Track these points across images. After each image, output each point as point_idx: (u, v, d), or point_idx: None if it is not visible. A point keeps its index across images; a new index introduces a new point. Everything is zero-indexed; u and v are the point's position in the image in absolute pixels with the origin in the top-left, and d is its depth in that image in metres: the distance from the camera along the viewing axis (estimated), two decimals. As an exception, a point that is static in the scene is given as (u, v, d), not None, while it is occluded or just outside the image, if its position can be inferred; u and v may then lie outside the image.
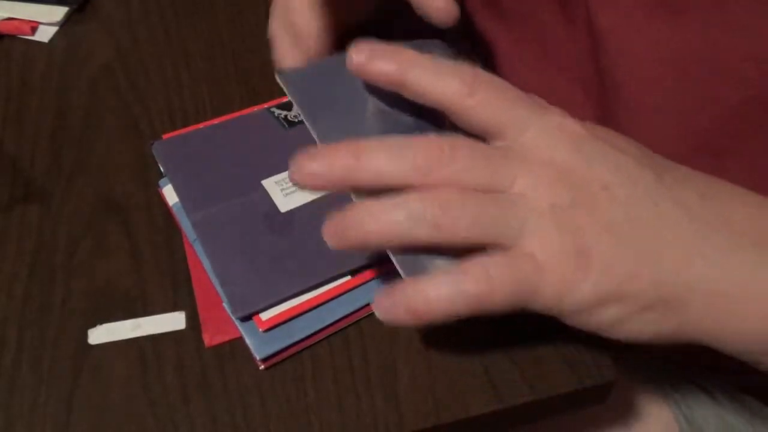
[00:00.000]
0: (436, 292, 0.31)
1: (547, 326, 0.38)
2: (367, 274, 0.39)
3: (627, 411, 0.50)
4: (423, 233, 0.31)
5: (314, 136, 0.36)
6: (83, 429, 0.35)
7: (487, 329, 0.39)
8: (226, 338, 0.38)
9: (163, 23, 0.56)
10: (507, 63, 0.55)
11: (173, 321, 0.39)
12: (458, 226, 0.30)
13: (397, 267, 0.33)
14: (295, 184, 0.33)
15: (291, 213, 0.41)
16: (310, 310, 0.38)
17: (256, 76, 0.52)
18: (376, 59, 0.33)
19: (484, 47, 0.57)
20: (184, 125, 0.47)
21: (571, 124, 0.33)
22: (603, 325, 0.33)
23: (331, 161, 0.32)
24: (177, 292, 0.40)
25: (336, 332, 0.39)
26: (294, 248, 0.39)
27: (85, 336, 0.38)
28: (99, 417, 0.36)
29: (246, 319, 0.37)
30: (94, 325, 0.39)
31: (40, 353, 0.38)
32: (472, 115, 0.32)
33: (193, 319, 0.39)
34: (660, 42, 0.42)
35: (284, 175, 0.43)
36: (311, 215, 0.41)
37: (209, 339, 0.38)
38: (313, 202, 0.41)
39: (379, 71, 0.33)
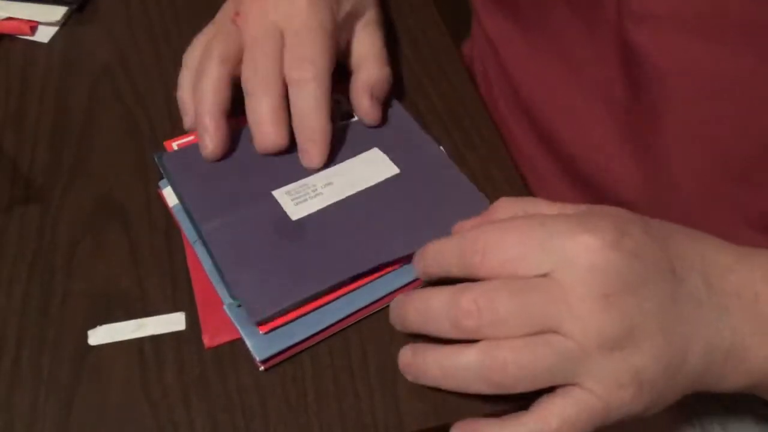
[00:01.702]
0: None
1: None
2: (367, 276, 0.39)
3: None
4: (483, 388, 0.34)
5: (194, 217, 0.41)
6: (83, 429, 0.35)
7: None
8: (226, 339, 0.38)
9: (163, 23, 0.56)
10: (534, 82, 0.55)
11: (173, 322, 0.39)
12: (518, 385, 0.33)
13: None
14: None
15: (302, 220, 0.41)
16: (310, 311, 0.38)
17: (256, 76, 0.52)
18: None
19: (511, 66, 0.57)
20: (184, 125, 0.47)
21: (593, 249, 0.33)
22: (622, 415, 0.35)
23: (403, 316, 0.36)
24: (177, 293, 0.40)
25: (336, 333, 0.39)
26: (306, 252, 0.39)
27: (85, 336, 0.38)
28: (99, 417, 0.36)
29: (263, 323, 0.37)
30: (94, 326, 0.39)
31: (40, 353, 0.38)
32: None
33: (193, 320, 0.39)
34: (696, 66, 0.41)
35: (294, 186, 0.42)
36: (322, 221, 0.41)
37: (209, 340, 0.38)
38: (324, 208, 0.41)
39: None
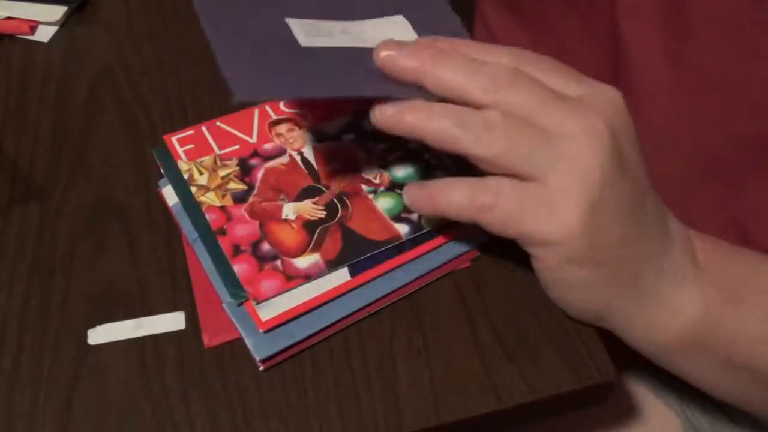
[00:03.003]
0: (454, 193, 0.35)
1: (547, 326, 0.38)
2: (367, 275, 0.39)
3: (629, 413, 0.50)
4: (463, 143, 0.33)
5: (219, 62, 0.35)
6: (83, 429, 0.35)
7: (486, 329, 0.39)
8: (226, 339, 0.38)
9: (162, 22, 0.56)
10: None
11: (173, 321, 0.39)
12: (496, 148, 0.33)
13: None
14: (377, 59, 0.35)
15: (311, 47, 0.37)
16: (310, 310, 0.38)
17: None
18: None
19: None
20: (184, 125, 0.47)
21: (620, 98, 0.35)
22: (557, 278, 0.36)
23: (412, 56, 0.35)
24: (177, 292, 0.40)
25: (336, 333, 0.39)
26: (311, 61, 0.36)
27: (85, 336, 0.38)
28: (99, 417, 0.36)
29: (245, 99, 0.33)
30: (93, 326, 0.39)
31: (40, 353, 0.38)
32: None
33: (193, 319, 0.39)
34: (677, 60, 0.42)
35: (309, 21, 0.39)
36: (333, 53, 0.38)
37: (209, 339, 0.38)
38: (335, 47, 0.38)
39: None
